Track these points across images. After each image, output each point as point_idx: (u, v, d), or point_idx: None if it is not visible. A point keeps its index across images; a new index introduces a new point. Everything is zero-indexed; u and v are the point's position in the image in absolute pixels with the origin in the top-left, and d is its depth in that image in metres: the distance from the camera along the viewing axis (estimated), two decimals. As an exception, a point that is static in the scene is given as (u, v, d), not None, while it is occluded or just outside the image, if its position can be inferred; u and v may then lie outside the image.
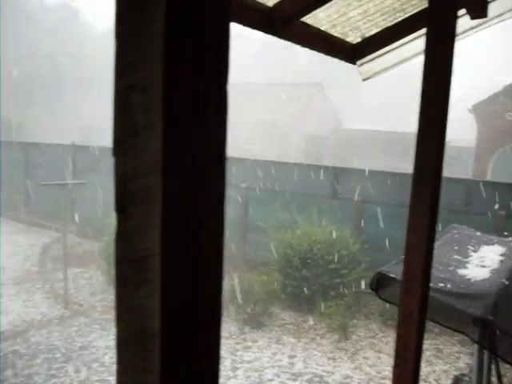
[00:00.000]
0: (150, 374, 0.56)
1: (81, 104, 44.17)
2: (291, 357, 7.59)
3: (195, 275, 0.57)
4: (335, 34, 2.86)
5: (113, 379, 6.70)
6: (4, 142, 19.26)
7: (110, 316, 8.77)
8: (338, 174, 10.91)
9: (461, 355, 7.84)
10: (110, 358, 7.24)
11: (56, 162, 14.95)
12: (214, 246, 0.59)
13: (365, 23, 2.82)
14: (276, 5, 2.27)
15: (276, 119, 35.87)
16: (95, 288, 10.13)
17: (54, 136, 29.70)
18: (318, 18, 2.63)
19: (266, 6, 2.27)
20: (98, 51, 52.80)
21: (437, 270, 3.18)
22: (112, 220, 6.89)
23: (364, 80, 3.25)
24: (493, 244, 3.77)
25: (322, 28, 2.73)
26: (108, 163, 13.44)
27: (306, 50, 2.69)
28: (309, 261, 8.95)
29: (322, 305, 8.74)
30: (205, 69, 0.57)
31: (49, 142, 17.95)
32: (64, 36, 51.45)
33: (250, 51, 67.16)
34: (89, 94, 46.11)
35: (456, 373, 6.62)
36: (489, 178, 21.92)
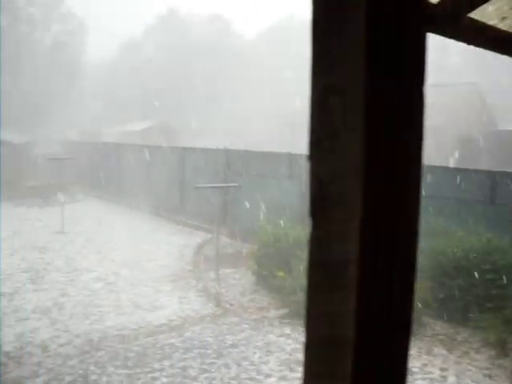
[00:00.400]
0: (340, 381, 0.54)
1: (232, 109, 45.72)
2: (443, 369, 7.25)
3: (390, 282, 0.54)
4: (504, 28, 2.68)
5: (261, 378, 6.83)
6: (162, 147, 20.46)
7: (259, 316, 8.96)
8: (495, 178, 10.28)
9: None
10: (258, 357, 7.39)
11: (210, 165, 15.59)
12: (408, 250, 0.56)
13: (538, 12, 2.60)
14: (441, 2, 2.16)
15: (428, 121, 34.64)
16: (245, 288, 10.40)
17: (208, 141, 31.00)
18: (485, 12, 2.48)
19: (430, 3, 2.17)
20: (248, 58, 54.39)
21: None
22: (263, 223, 7.02)
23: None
24: None
25: (490, 23, 2.56)
26: (259, 166, 13.77)
27: (459, 48, 2.55)
28: (463, 269, 8.52)
29: (477, 317, 8.26)
30: (404, 71, 0.54)
31: (203, 146, 18.79)
32: (216, 45, 53.59)
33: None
34: (241, 99, 47.60)
35: None
36: None
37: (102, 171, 23.26)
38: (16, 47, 51.79)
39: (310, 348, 0.59)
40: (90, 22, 58.32)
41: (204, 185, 11.47)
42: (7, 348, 7.71)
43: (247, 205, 13.68)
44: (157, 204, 17.49)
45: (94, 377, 6.81)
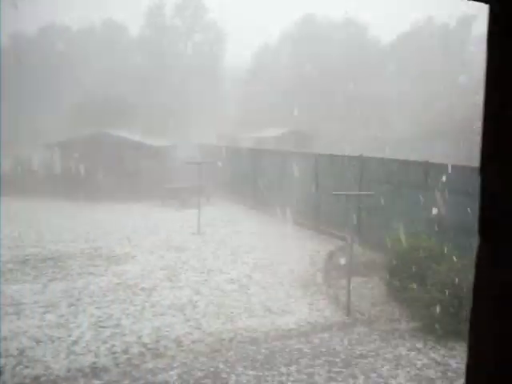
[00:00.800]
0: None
1: (371, 116, 45.09)
2: None
3: None
4: None
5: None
6: (297, 153, 20.65)
7: (389, 328, 8.74)
8: None
9: None
10: (387, 370, 7.20)
11: (344, 172, 15.47)
12: None
13: None
14: None
15: None
16: (376, 299, 10.19)
17: (345, 147, 30.84)
18: None
19: None
20: (386, 63, 53.44)
21: None
22: (397, 233, 6.82)
23: None
24: None
25: None
26: (394, 175, 13.46)
27: None
28: None
29: None
30: None
31: (340, 153, 18.70)
32: (353, 50, 53.16)
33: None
34: (380, 105, 46.85)
35: None
36: None
37: (238, 176, 23.91)
38: (160, 57, 54.84)
39: (474, 371, 0.55)
40: (229, 30, 60.41)
41: (339, 192, 11.42)
42: (145, 340, 8.14)
43: (381, 214, 13.42)
44: (290, 209, 17.65)
45: (223, 375, 6.99)
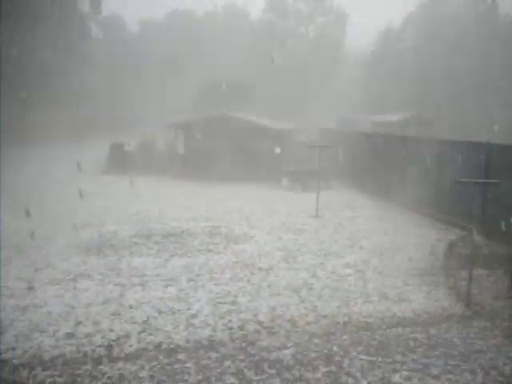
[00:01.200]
0: None
1: (498, 104, 42.72)
2: None
3: None
4: None
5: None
6: (417, 139, 20.08)
7: (512, 324, 8.33)
8: None
9: None
10: (510, 368, 6.87)
11: (469, 159, 14.82)
12: None
13: None
14: None
15: None
16: (500, 292, 9.71)
17: (470, 134, 29.58)
18: None
19: None
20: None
21: None
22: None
23: None
24: None
25: None
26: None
27: None
28: None
29: None
30: None
31: (464, 139, 17.96)
32: (482, 30, 50.31)
33: None
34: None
35: None
36: None
37: (357, 160, 23.60)
38: (282, 40, 55.22)
39: None
40: (351, 12, 59.69)
41: (464, 179, 10.94)
42: (261, 318, 8.33)
43: (508, 204, 12.74)
44: (411, 196, 17.22)
45: (337, 358, 7.01)
